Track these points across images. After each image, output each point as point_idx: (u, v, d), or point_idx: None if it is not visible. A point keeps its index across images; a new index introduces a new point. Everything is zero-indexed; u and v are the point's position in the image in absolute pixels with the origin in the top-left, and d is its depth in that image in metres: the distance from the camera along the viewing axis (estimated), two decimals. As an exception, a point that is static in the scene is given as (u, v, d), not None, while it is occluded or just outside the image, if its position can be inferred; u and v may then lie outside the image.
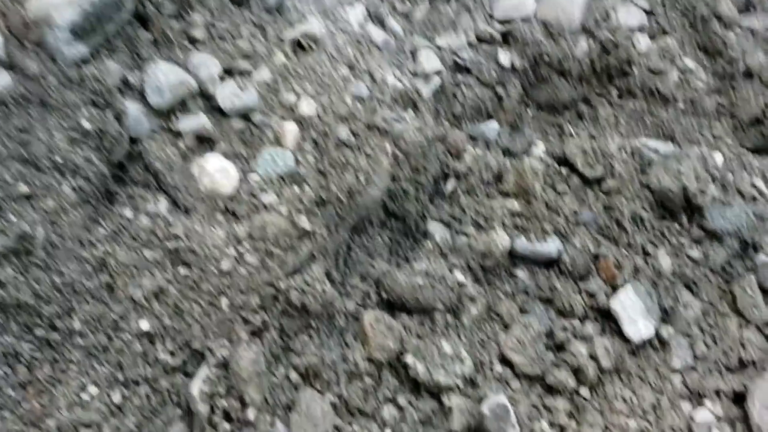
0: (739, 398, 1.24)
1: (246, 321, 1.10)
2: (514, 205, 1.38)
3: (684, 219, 1.40)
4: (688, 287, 1.38)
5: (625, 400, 1.23)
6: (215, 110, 1.22)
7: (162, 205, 1.15)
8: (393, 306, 1.25)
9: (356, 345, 1.18)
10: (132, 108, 1.15)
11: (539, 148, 1.49)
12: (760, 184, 1.47)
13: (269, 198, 1.16)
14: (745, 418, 1.20)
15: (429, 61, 1.50)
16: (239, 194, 1.17)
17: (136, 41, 1.21)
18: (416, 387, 1.20)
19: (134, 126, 1.15)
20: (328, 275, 1.19)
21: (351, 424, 1.12)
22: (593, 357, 1.27)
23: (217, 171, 1.17)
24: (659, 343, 1.31)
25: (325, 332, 1.18)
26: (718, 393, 1.24)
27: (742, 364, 1.28)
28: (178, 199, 1.16)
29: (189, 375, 1.07)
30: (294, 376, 1.11)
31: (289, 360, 1.11)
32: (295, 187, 1.18)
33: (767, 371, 1.22)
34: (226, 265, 1.11)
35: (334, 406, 1.11)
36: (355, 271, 1.27)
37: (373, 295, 1.25)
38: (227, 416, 1.03)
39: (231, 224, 1.15)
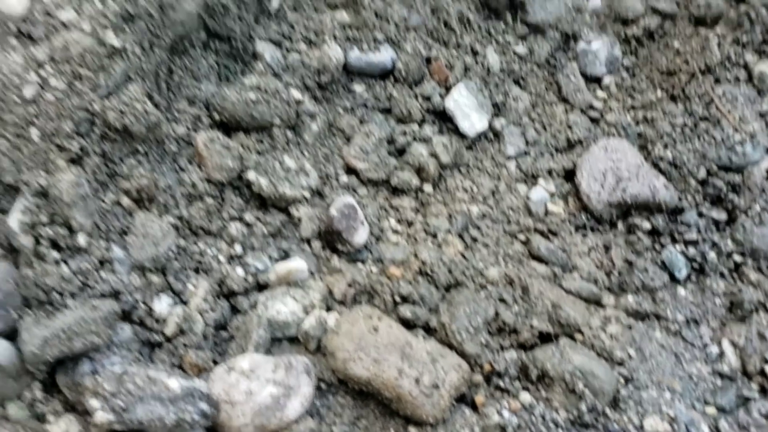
0: (570, 175, 1.32)
1: (62, 149, 1.01)
2: (344, 16, 1.35)
3: (508, 17, 1.43)
4: (516, 82, 1.43)
5: (465, 190, 1.28)
6: None
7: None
8: (227, 126, 1.19)
9: (192, 168, 1.13)
10: None
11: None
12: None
13: (67, 15, 1.04)
14: (576, 192, 1.28)
15: None
16: (33, 14, 1.04)
17: None
18: (263, 203, 1.18)
19: None
20: (150, 98, 1.11)
21: (197, 243, 1.09)
22: (433, 155, 1.30)
23: (0, -10, 1.03)
24: (493, 135, 1.36)
25: (156, 157, 1.11)
26: (550, 172, 1.32)
27: (570, 145, 1.36)
28: (-41, 26, 1.01)
29: (4, 212, 0.98)
30: (126, 201, 1.05)
31: (118, 185, 1.05)
32: (97, 2, 1.07)
33: (592, 147, 1.30)
34: (29, 92, 1.00)
35: (175, 227, 1.07)
36: (181, 95, 1.19)
37: (205, 119, 1.18)
38: (55, 245, 0.96)
39: (28, 48, 1.02)
